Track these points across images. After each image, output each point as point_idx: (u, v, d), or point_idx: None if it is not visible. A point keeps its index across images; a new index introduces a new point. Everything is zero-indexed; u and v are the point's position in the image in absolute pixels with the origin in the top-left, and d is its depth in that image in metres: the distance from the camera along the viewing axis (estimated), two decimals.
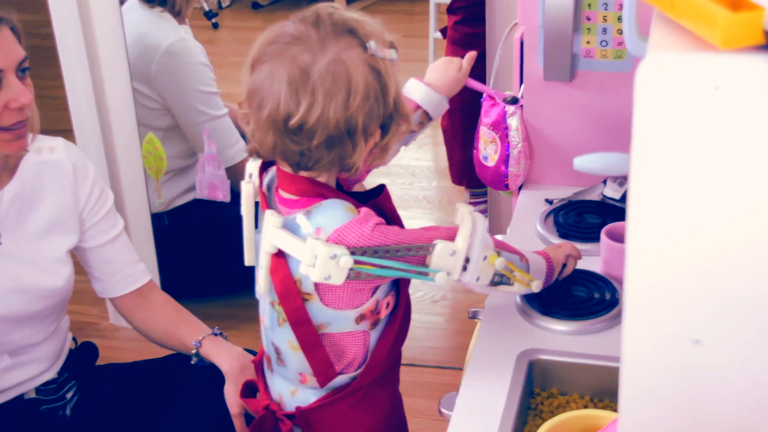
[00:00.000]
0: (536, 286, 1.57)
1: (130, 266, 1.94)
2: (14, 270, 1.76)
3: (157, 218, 2.90)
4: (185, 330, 1.91)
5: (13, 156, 1.74)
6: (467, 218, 1.42)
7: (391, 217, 1.47)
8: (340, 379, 1.50)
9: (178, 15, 2.85)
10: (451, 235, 1.42)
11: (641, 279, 0.87)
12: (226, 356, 1.83)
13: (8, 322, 1.76)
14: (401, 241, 1.37)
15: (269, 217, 1.40)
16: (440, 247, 1.39)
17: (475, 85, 1.87)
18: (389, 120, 1.39)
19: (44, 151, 1.79)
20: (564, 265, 1.65)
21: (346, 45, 1.34)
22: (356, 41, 1.35)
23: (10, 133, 1.64)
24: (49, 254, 1.81)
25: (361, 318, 1.46)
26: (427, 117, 1.73)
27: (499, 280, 1.50)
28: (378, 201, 1.46)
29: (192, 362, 1.88)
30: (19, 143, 1.67)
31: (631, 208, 0.84)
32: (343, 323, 1.45)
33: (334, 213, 1.37)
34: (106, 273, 1.92)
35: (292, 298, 1.42)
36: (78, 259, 1.91)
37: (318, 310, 1.43)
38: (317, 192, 1.40)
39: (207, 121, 2.80)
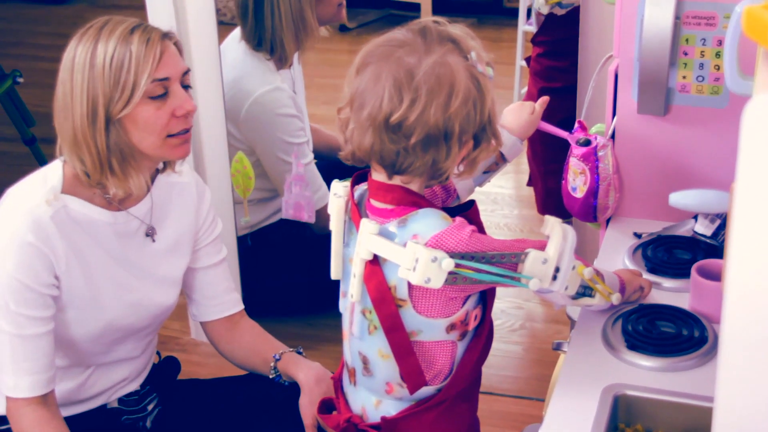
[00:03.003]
0: (616, 299, 1.62)
1: (227, 293, 2.00)
2: (136, 283, 1.82)
3: (240, 239, 2.93)
4: (268, 347, 1.95)
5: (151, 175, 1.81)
6: (557, 228, 1.46)
7: (480, 231, 1.49)
8: (425, 391, 1.52)
9: (280, 61, 2.84)
10: (539, 246, 1.45)
11: (740, 319, 0.86)
12: (303, 368, 1.87)
13: (119, 332, 1.82)
14: (495, 248, 1.42)
15: (365, 224, 1.44)
16: (533, 255, 1.43)
17: (548, 128, 1.90)
18: (482, 132, 1.44)
19: (173, 173, 1.86)
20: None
21: (450, 50, 1.40)
22: (459, 51, 1.41)
23: (177, 138, 1.73)
24: (168, 273, 1.87)
25: (451, 327, 1.48)
26: (502, 159, 1.77)
27: (583, 291, 1.55)
28: (469, 214, 1.50)
29: (270, 376, 1.92)
30: (184, 148, 1.75)
31: (733, 249, 0.83)
32: (434, 332, 1.48)
33: (431, 221, 1.42)
34: (206, 296, 1.98)
35: (387, 304, 1.45)
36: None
37: (411, 317, 1.46)
38: (412, 201, 1.45)
39: (290, 170, 2.81)
